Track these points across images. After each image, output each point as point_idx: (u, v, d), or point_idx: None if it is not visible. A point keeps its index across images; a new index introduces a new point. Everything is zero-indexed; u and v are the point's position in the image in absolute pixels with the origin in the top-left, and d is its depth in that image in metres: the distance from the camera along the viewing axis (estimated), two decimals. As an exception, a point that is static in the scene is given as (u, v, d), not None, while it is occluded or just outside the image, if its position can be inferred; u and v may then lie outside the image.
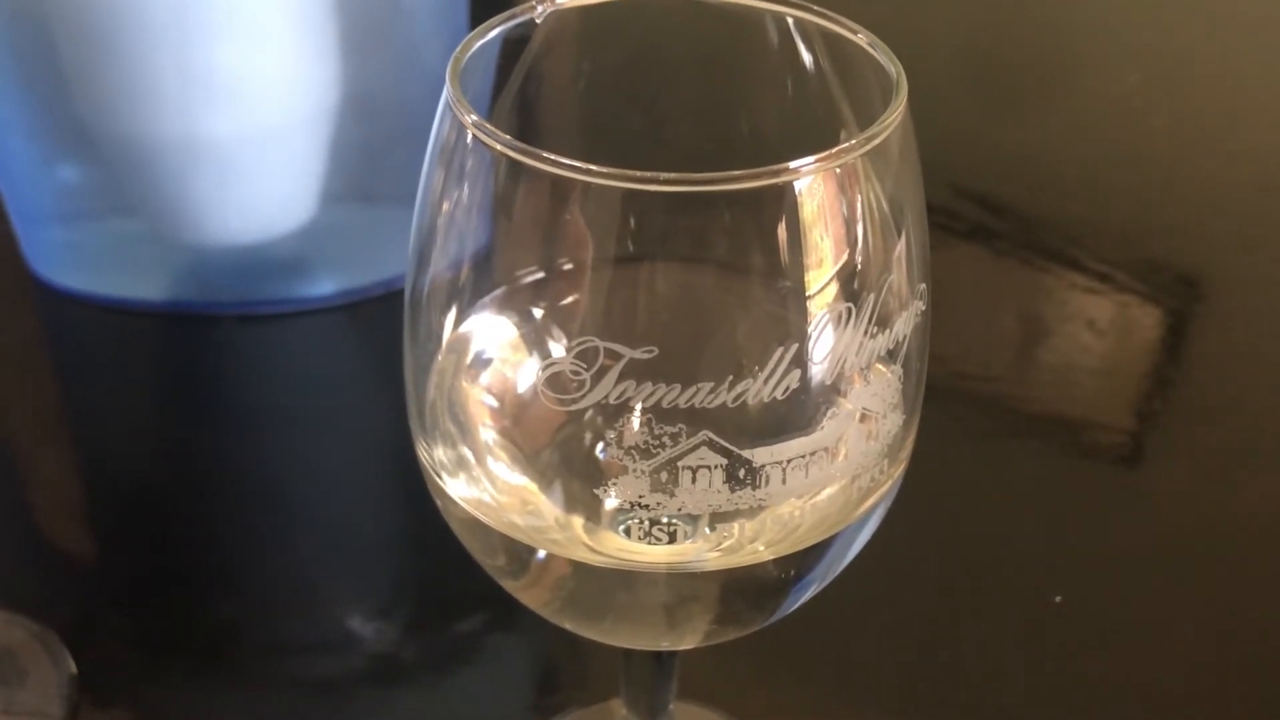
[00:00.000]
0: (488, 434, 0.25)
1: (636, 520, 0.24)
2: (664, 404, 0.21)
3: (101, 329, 0.55)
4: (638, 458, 0.22)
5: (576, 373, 0.21)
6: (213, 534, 0.45)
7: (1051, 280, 0.56)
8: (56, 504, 0.48)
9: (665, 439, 0.22)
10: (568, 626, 0.27)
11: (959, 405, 0.49)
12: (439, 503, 0.26)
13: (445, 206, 0.24)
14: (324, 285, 0.56)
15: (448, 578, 0.43)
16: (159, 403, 0.52)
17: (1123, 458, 0.48)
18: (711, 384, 0.21)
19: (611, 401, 0.22)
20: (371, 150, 0.54)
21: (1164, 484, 0.47)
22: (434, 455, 0.26)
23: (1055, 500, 0.46)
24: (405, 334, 0.25)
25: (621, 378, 0.21)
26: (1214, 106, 0.69)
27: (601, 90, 0.26)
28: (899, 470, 0.25)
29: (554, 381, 0.22)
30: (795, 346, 0.22)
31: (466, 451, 0.25)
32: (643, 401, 0.21)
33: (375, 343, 0.55)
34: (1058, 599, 0.42)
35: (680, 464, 0.22)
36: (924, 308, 0.24)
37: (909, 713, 0.39)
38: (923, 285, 0.23)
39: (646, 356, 0.21)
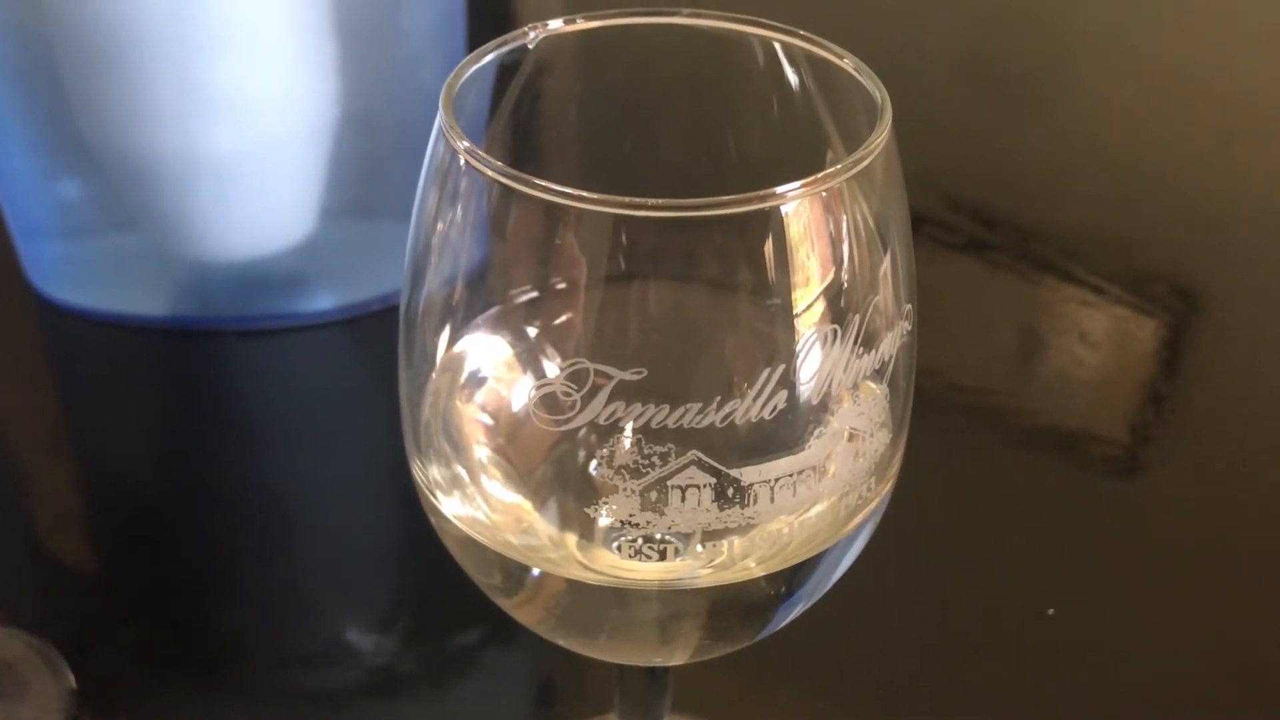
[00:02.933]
0: (482, 453, 0.26)
1: (628, 538, 0.24)
2: (653, 424, 0.22)
3: (102, 344, 0.55)
4: (628, 477, 0.22)
5: (567, 393, 0.22)
6: (212, 547, 0.46)
7: (1046, 293, 0.56)
8: (57, 518, 0.48)
9: (655, 459, 0.22)
10: (562, 643, 0.27)
11: (953, 418, 0.49)
12: (434, 521, 0.26)
13: (439, 227, 0.25)
14: (323, 300, 0.56)
15: (446, 591, 0.44)
16: (159, 417, 0.53)
17: (1117, 470, 0.48)
18: (700, 404, 0.22)
19: (602, 422, 0.22)
20: (370, 166, 0.54)
21: (1158, 496, 0.47)
22: (429, 474, 0.26)
23: (1049, 512, 0.46)
24: (400, 353, 0.26)
25: (611, 398, 0.22)
26: (1210, 119, 0.69)
27: (594, 112, 0.26)
28: (887, 488, 0.25)
29: (546, 402, 0.22)
30: (783, 366, 0.22)
31: (461, 470, 0.26)
32: (632, 422, 0.22)
33: (374, 357, 0.56)
34: (1050, 612, 0.42)
35: (670, 483, 0.22)
36: (910, 327, 0.24)
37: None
38: (909, 305, 0.24)
39: (636, 377, 0.22)
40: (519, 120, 0.26)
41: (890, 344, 0.23)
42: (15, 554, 0.46)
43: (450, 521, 0.25)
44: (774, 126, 0.26)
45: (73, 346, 0.55)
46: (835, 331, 0.22)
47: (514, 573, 0.25)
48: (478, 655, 0.42)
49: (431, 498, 0.26)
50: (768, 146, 0.26)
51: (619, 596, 0.25)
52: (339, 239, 0.55)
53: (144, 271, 0.55)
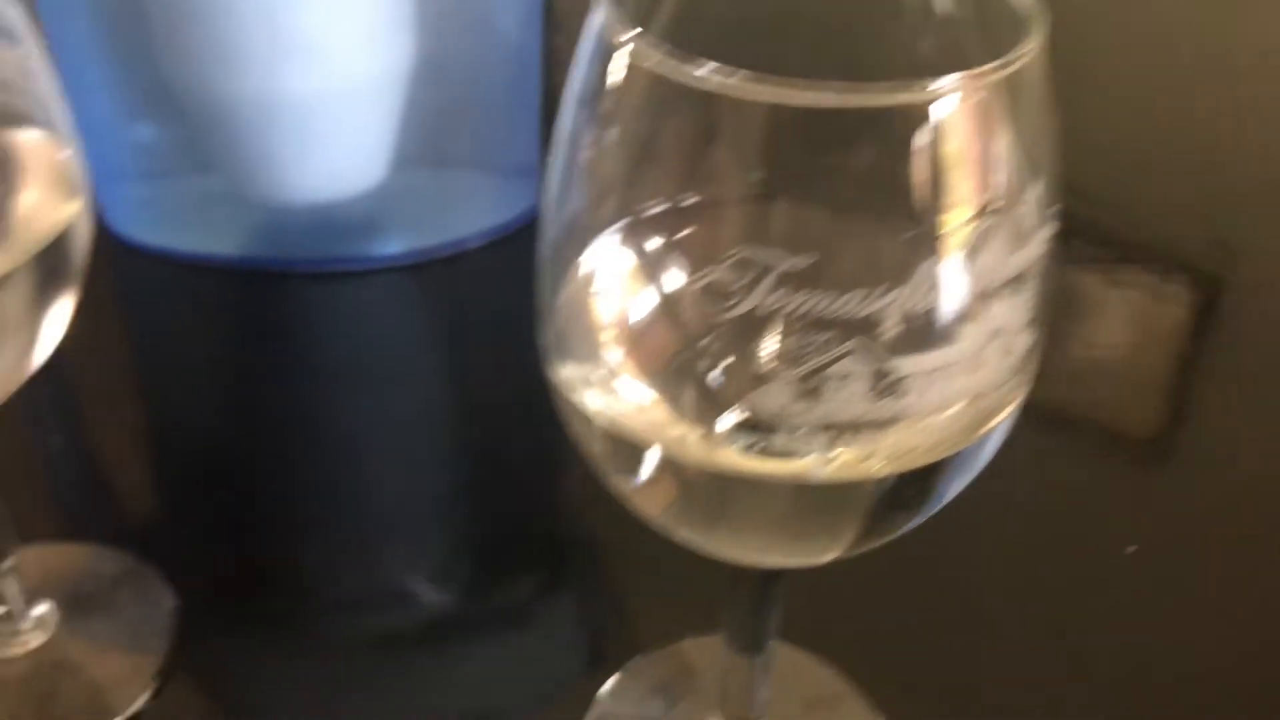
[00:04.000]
0: (621, 350, 0.26)
1: (768, 431, 0.24)
2: (813, 313, 0.22)
3: (177, 284, 0.56)
4: (785, 366, 0.23)
5: (730, 283, 0.22)
6: (278, 481, 0.47)
7: (1068, 276, 0.56)
8: (139, 453, 0.49)
9: (813, 348, 0.22)
10: (684, 537, 0.27)
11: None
12: (568, 421, 0.27)
13: (591, 124, 0.25)
14: (392, 245, 0.57)
15: (512, 531, 0.44)
16: (229, 355, 0.53)
17: (1141, 454, 0.48)
18: (860, 294, 0.22)
19: (763, 310, 0.22)
20: (442, 115, 0.55)
21: (1183, 479, 0.47)
22: (563, 374, 0.26)
23: (1126, 461, 0.47)
24: (541, 252, 0.26)
25: (775, 287, 0.22)
26: (1227, 107, 0.69)
27: (737, 24, 0.27)
28: (1024, 391, 0.26)
29: (707, 292, 0.23)
30: (941, 260, 0.22)
31: (597, 368, 0.26)
32: (793, 310, 0.22)
33: (441, 301, 0.56)
34: (1130, 549, 0.43)
35: (826, 373, 0.23)
36: (1056, 228, 0.24)
37: (993, 654, 0.40)
38: (1056, 206, 0.24)
39: (799, 266, 0.22)
40: (661, 32, 0.27)
41: (1038, 244, 0.24)
42: (107, 482, 0.47)
43: (585, 417, 0.26)
44: (921, 45, 0.26)
45: (148, 287, 0.56)
46: (990, 228, 0.23)
47: (647, 465, 0.25)
48: (545, 595, 0.43)
49: (568, 396, 0.26)
50: (914, 63, 0.26)
51: (746, 488, 0.25)
52: (411, 186, 0.56)
53: (220, 214, 0.55)
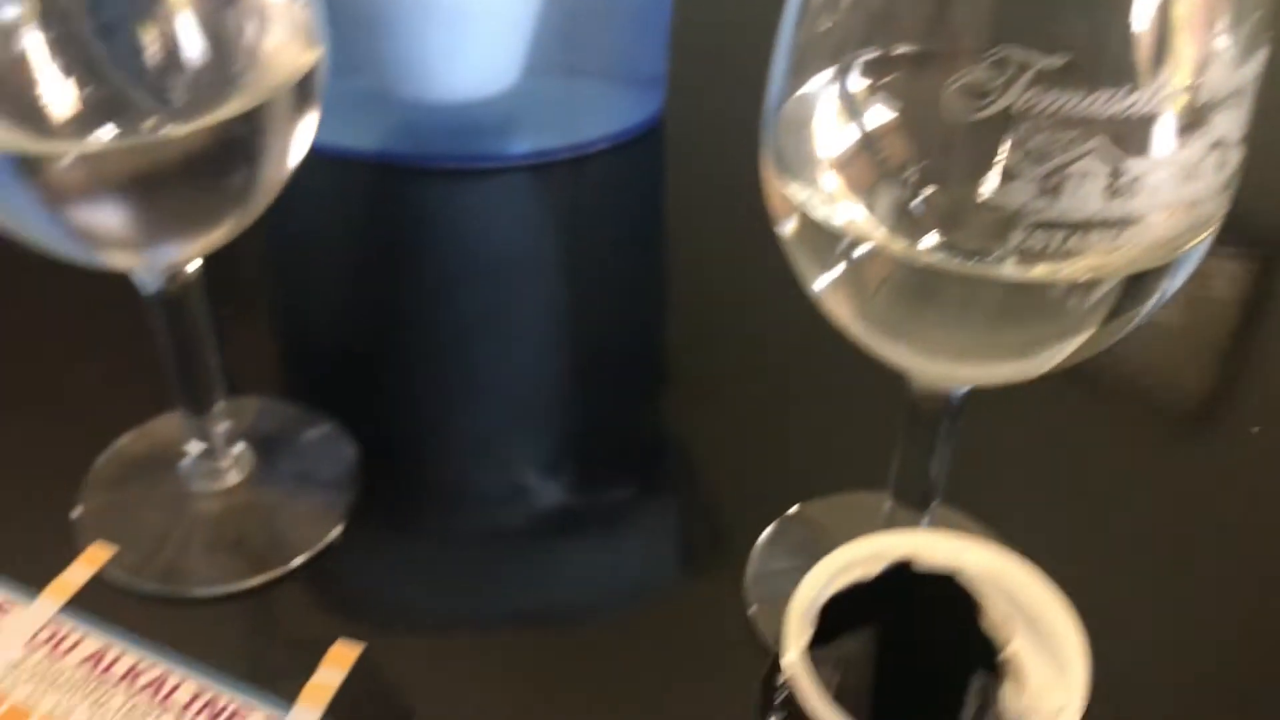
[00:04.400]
0: (847, 156, 0.27)
1: (986, 239, 0.26)
2: (1062, 111, 0.24)
3: (321, 177, 0.58)
4: (1030, 164, 0.25)
5: (986, 81, 0.24)
6: (409, 362, 0.49)
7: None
8: (290, 327, 0.51)
9: (1059, 145, 0.24)
10: (880, 343, 0.29)
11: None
12: (782, 228, 0.29)
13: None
14: (520, 146, 0.59)
15: (632, 418, 0.46)
16: (368, 244, 0.56)
17: (1191, 425, 0.49)
18: (1106, 94, 0.24)
19: (1017, 109, 0.24)
20: (577, 22, 0.57)
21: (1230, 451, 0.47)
22: (785, 185, 0.28)
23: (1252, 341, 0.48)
24: (775, 75, 0.28)
25: (1030, 85, 0.24)
26: None
27: None
28: (1225, 211, 0.28)
29: (963, 91, 0.24)
30: (1182, 65, 0.24)
31: (819, 175, 0.28)
32: (1044, 107, 0.24)
33: (564, 201, 0.59)
34: (1255, 429, 0.45)
35: (1068, 170, 0.25)
36: (1269, 52, 0.26)
37: (1138, 530, 0.42)
38: (1271, 32, 0.26)
39: (1054, 65, 0.24)
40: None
41: (1257, 63, 0.26)
42: (265, 348, 0.49)
43: (807, 221, 0.28)
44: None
45: (295, 178, 0.58)
46: (1221, 41, 0.25)
47: (858, 267, 0.27)
48: (669, 484, 0.44)
49: (793, 205, 0.28)
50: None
51: (955, 287, 0.26)
52: (542, 89, 0.58)
53: (363, 111, 0.57)
